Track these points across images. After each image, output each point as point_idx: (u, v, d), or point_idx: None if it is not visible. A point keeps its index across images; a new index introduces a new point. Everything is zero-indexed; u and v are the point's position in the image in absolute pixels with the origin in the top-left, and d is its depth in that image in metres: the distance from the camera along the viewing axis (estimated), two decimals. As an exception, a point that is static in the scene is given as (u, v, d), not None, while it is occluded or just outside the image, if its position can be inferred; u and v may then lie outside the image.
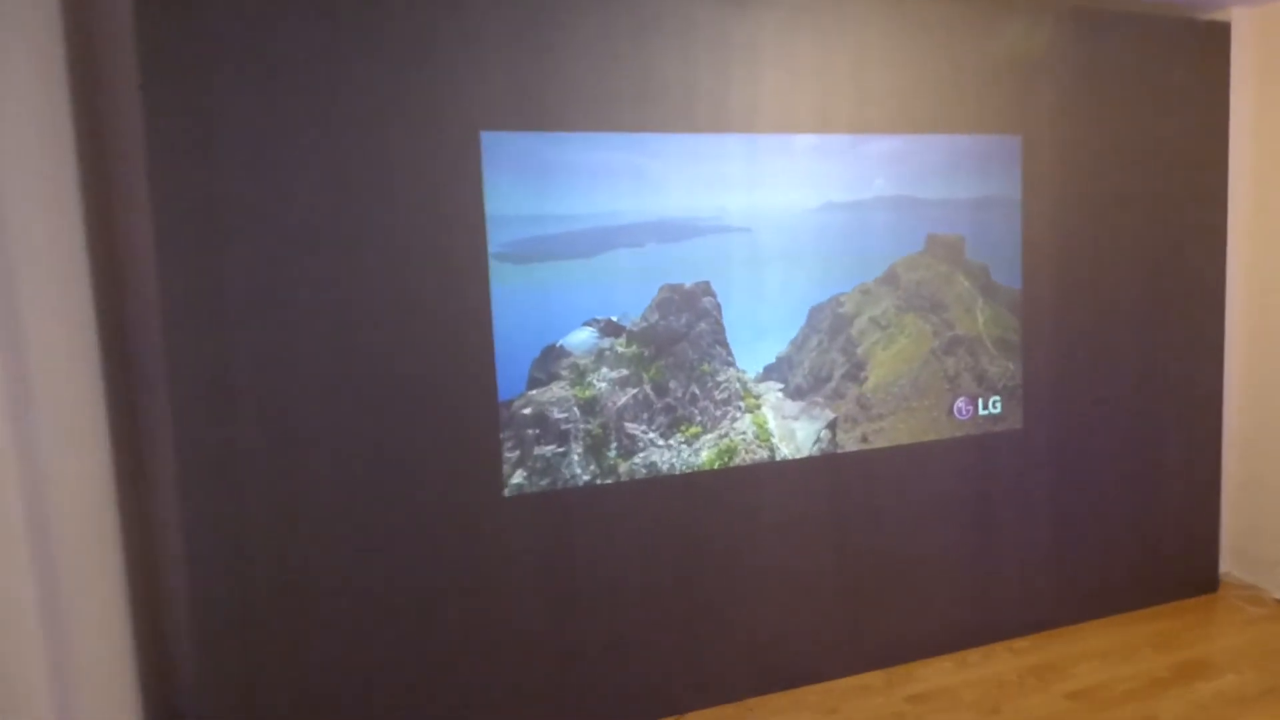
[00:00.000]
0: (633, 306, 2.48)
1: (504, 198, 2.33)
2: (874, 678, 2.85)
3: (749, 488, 2.63)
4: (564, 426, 2.42)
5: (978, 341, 2.88)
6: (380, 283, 2.24)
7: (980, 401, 2.90)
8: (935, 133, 2.76)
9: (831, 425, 2.72)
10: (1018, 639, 3.06)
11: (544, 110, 2.35)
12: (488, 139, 2.30)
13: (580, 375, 2.43)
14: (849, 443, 2.74)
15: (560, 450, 2.42)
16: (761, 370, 2.63)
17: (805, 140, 2.62)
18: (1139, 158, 3.03)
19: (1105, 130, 2.97)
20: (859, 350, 2.75)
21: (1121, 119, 2.99)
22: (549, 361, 2.39)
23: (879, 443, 2.78)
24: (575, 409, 2.43)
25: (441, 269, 2.29)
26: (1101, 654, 2.95)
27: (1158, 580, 3.26)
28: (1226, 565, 3.46)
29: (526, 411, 2.38)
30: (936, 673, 2.87)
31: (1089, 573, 3.14)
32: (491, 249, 2.32)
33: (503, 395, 2.36)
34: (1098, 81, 2.95)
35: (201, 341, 2.10)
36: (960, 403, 2.87)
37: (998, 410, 2.93)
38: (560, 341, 2.41)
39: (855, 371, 2.74)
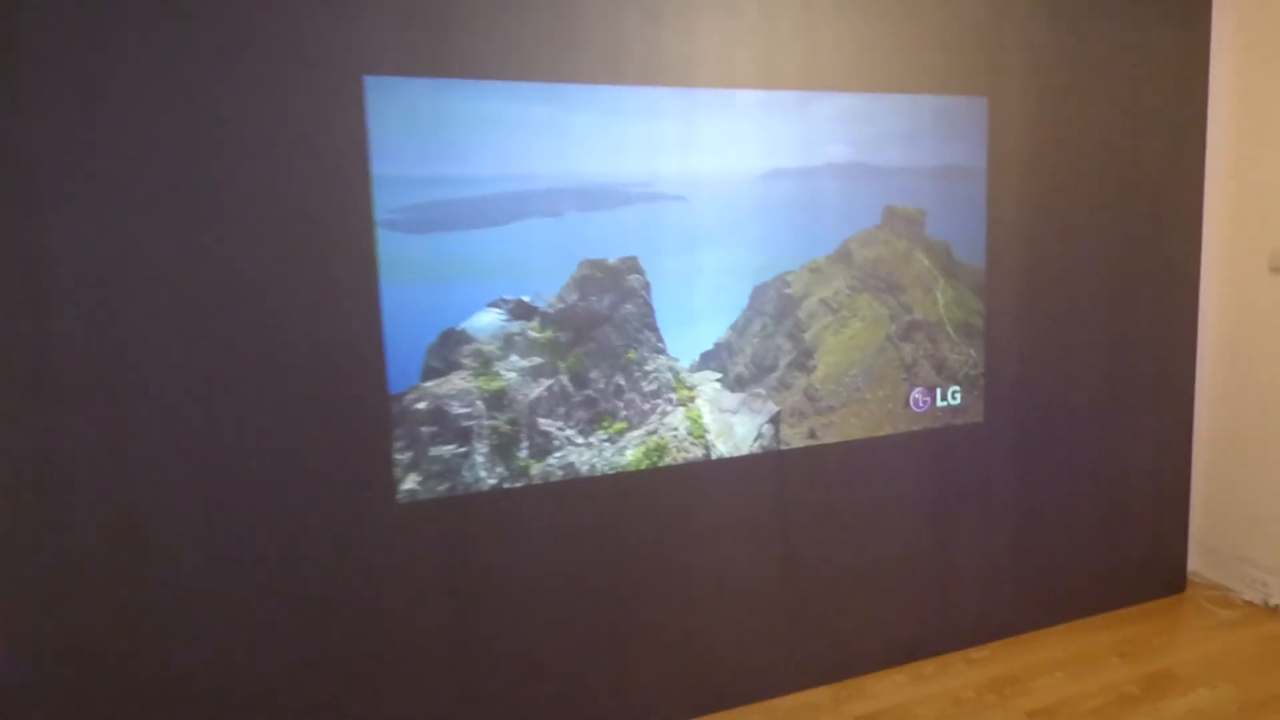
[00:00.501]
0: (547, 285, 2.16)
1: (394, 156, 1.98)
2: (820, 695, 2.59)
3: (682, 490, 2.34)
4: (466, 423, 2.10)
5: (938, 326, 2.62)
6: (242, 255, 1.89)
7: (939, 392, 2.64)
8: (894, 92, 2.47)
9: (775, 419, 2.43)
10: (976, 648, 2.83)
11: (443, 53, 2.01)
12: (373, 85, 1.95)
13: (485, 364, 2.11)
14: (795, 438, 2.46)
15: (461, 450, 2.10)
16: (697, 358, 2.33)
17: (748, 97, 2.31)
18: (1113, 128, 2.77)
19: (1077, 96, 2.70)
20: (807, 336, 2.46)
21: (1095, 84, 2.72)
22: (448, 348, 2.07)
23: (828, 438, 2.50)
24: (479, 403, 2.11)
25: (318, 239, 1.95)
26: (1065, 664, 2.73)
27: (1124, 581, 3.05)
28: (1194, 564, 3.27)
29: (421, 406, 2.05)
30: (889, 688, 2.63)
31: (1052, 575, 2.92)
32: (379, 215, 1.98)
33: (393, 387, 2.03)
34: (1071, 41, 2.68)
35: (16, 324, 1.74)
36: (917, 393, 2.60)
37: (957, 401, 2.67)
38: (462, 325, 2.08)
39: (803, 359, 2.46)
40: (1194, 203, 2.96)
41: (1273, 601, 3.02)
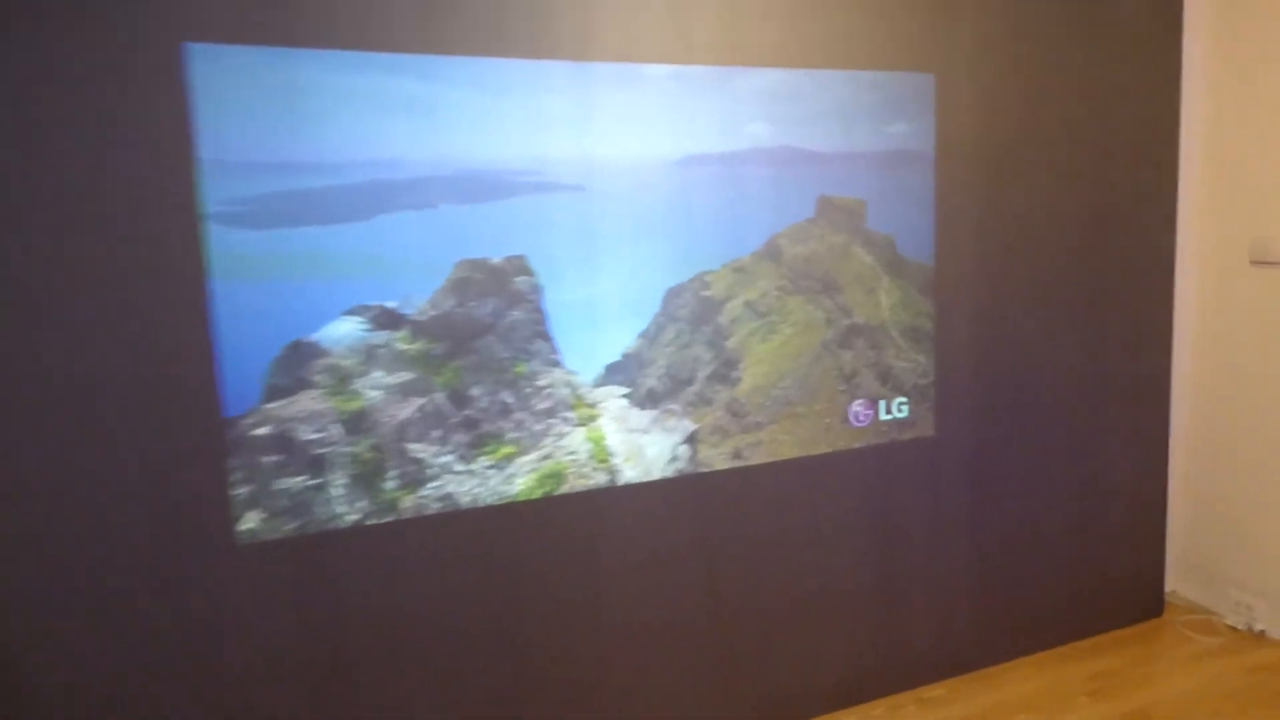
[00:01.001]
0: (418, 289, 1.86)
1: (227, 139, 1.69)
2: (753, 745, 2.32)
3: (583, 521, 2.05)
4: (319, 450, 1.80)
5: (881, 331, 2.33)
6: (41, 257, 1.59)
7: (883, 404, 2.36)
8: (828, 68, 2.18)
9: (692, 439, 2.14)
10: (930, 686, 2.55)
11: (285, 15, 1.71)
12: (198, 54, 1.65)
13: (342, 381, 1.81)
14: (717, 460, 2.17)
15: (314, 482, 1.80)
16: (602, 371, 2.04)
17: (657, 72, 2.02)
18: (1078, 108, 2.49)
19: (1037, 72, 2.42)
20: (730, 344, 2.17)
21: (1057, 58, 2.44)
22: (296, 363, 1.77)
23: (756, 458, 2.21)
24: (335, 426, 1.81)
25: (132, 236, 1.64)
26: (1029, 703, 2.45)
27: (1095, 606, 2.77)
28: (1173, 583, 3.00)
29: (262, 431, 1.75)
30: (830, 735, 2.35)
31: (1015, 603, 2.64)
32: (209, 208, 1.69)
33: (229, 410, 1.73)
34: (1029, 11, 2.39)
35: None
36: (858, 406, 2.32)
37: (904, 414, 2.38)
38: (313, 336, 1.78)
39: (725, 370, 2.17)
40: (1168, 190, 2.69)
41: (1258, 627, 2.75)
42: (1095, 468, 2.69)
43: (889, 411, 2.36)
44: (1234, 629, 2.81)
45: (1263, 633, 2.75)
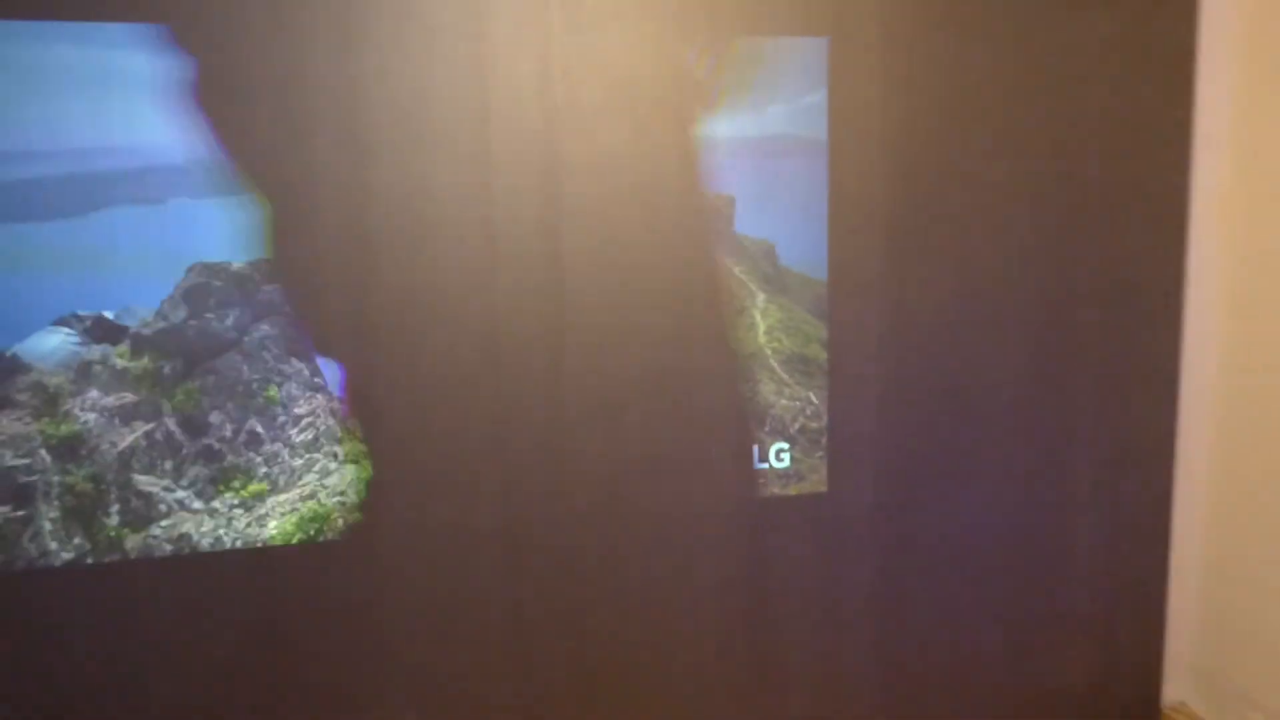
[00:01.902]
0: (142, 297, 1.60)
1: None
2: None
3: (354, 573, 1.75)
4: (24, 479, 1.58)
5: (757, 360, 1.89)
6: None
7: (756, 451, 1.92)
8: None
9: (494, 483, 1.80)
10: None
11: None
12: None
13: (51, 402, 1.58)
14: (532, 508, 1.82)
15: (19, 514, 1.59)
16: (385, 396, 1.72)
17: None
18: (1037, 76, 1.93)
19: (972, 31, 1.89)
20: (552, 369, 1.80)
21: (1006, 11, 1.90)
22: (-6, 380, 1.56)
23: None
24: (43, 453, 1.59)
25: None
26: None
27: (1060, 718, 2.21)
28: (1174, 692, 2.37)
29: (-49, 456, 1.56)
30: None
31: (934, 710, 2.12)
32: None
33: (-84, 430, 1.54)
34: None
35: None
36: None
37: (785, 464, 1.93)
38: (13, 349, 1.56)
39: (545, 401, 1.81)
40: (1176, 182, 2.06)
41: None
42: (1059, 539, 2.12)
43: (768, 459, 1.92)
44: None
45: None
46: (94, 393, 1.59)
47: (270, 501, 1.69)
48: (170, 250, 1.60)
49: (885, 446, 1.97)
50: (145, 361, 1.61)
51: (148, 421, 1.62)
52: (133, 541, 1.64)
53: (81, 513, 1.61)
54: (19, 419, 1.57)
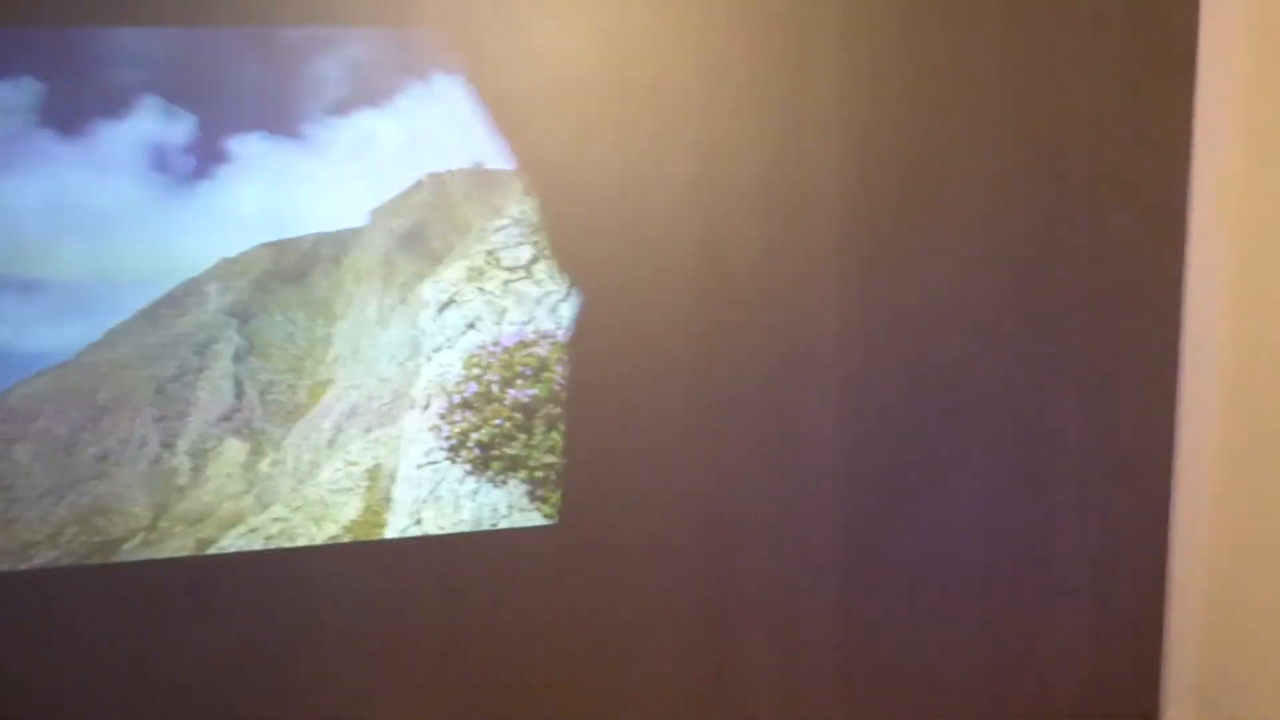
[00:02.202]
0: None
1: None
2: None
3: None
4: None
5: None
6: None
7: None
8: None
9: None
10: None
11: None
12: None
13: None
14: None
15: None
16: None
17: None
18: (1020, 52, 1.79)
19: (946, 4, 1.74)
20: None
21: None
22: None
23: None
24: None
25: None
26: None
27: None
28: (1180, 716, 2.21)
29: None
30: None
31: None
32: None
33: None
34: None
35: None
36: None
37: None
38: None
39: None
40: (1174, 174, 1.90)
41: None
42: (1046, 555, 1.98)
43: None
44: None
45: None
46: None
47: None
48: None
49: (850, 454, 1.84)
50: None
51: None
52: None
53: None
54: None
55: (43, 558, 1.52)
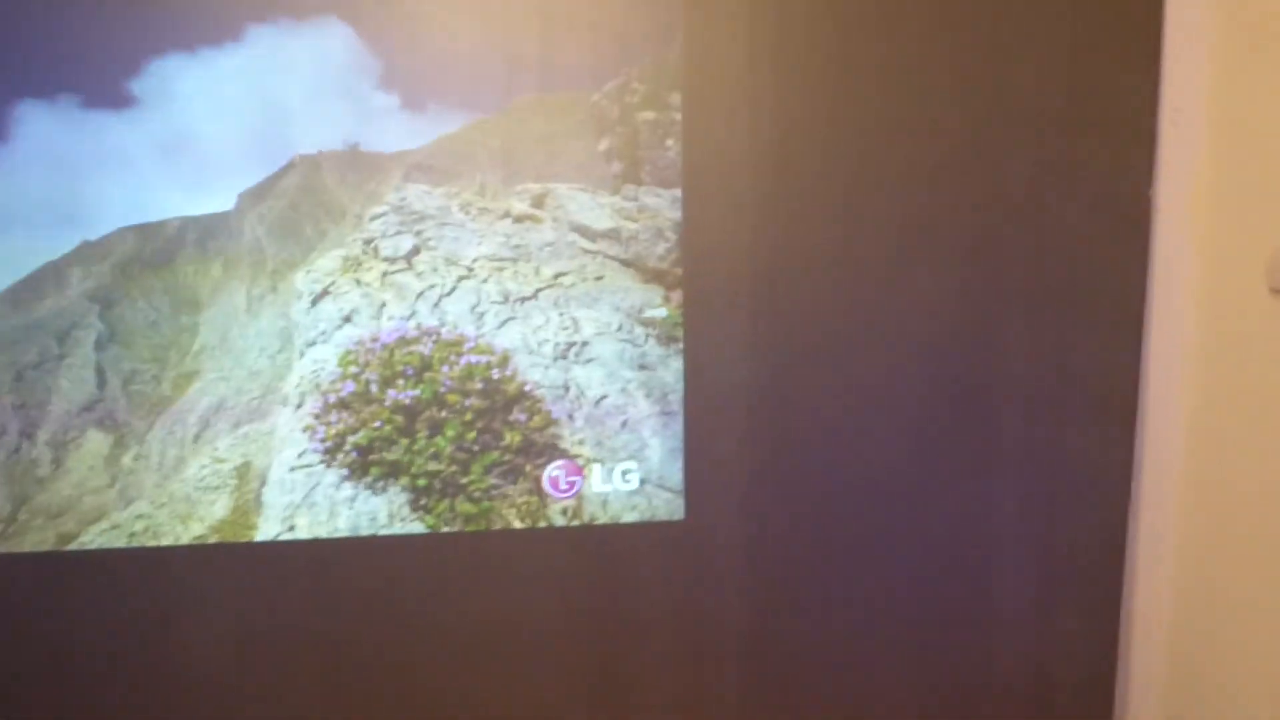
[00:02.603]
0: None
1: None
2: None
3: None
4: None
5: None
6: None
7: (598, 470, 1.66)
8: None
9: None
10: None
11: None
12: None
13: None
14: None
15: None
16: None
17: None
18: (959, 30, 1.60)
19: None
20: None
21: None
22: None
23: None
24: None
25: None
26: None
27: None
28: None
29: None
30: None
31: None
32: None
33: None
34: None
35: None
36: (556, 470, 1.65)
37: (632, 485, 1.67)
38: None
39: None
40: (1136, 165, 1.69)
41: None
42: (984, 592, 1.80)
43: (610, 481, 1.66)
44: None
45: None
46: None
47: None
48: None
49: (754, 472, 1.68)
50: None
51: None
52: None
53: None
54: None
55: (-109, 548, 1.48)
